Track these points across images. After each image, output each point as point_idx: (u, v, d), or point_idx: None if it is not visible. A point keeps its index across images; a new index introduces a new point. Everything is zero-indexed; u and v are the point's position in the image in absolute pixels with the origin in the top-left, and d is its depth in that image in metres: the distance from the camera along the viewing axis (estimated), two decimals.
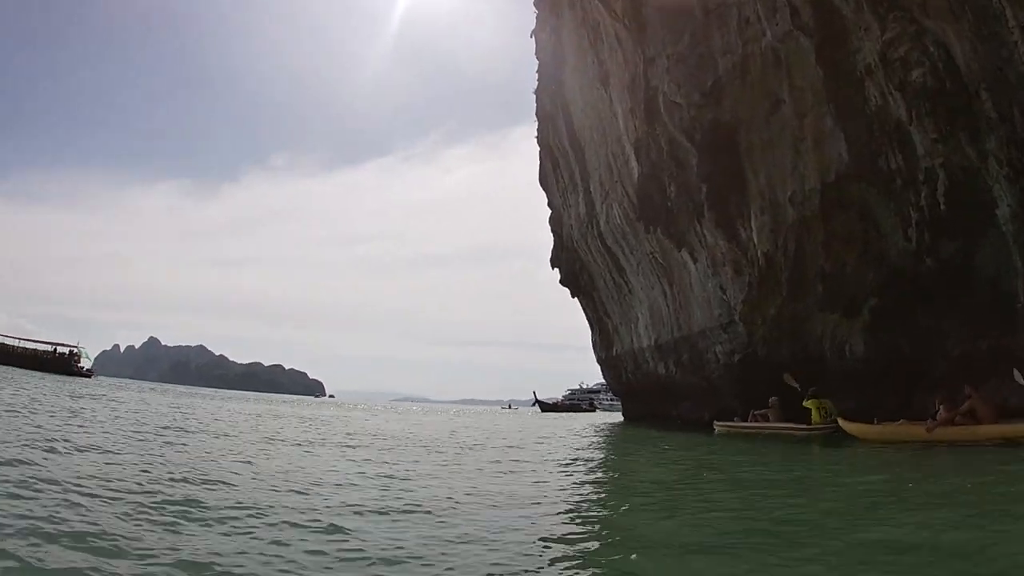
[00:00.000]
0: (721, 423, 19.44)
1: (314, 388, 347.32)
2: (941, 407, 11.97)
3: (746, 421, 18.58)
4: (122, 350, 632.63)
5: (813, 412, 16.42)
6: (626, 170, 23.51)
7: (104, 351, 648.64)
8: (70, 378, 54.64)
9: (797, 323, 18.08)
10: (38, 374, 50.16)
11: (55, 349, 72.03)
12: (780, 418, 17.48)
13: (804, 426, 16.33)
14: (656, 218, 21.56)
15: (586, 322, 35.59)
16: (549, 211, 35.36)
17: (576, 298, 34.28)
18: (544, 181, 35.27)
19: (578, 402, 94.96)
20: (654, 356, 25.77)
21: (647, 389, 27.45)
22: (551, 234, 34.98)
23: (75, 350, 73.83)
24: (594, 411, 76.14)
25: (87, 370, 71.96)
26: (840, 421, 14.89)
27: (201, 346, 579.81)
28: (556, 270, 34.29)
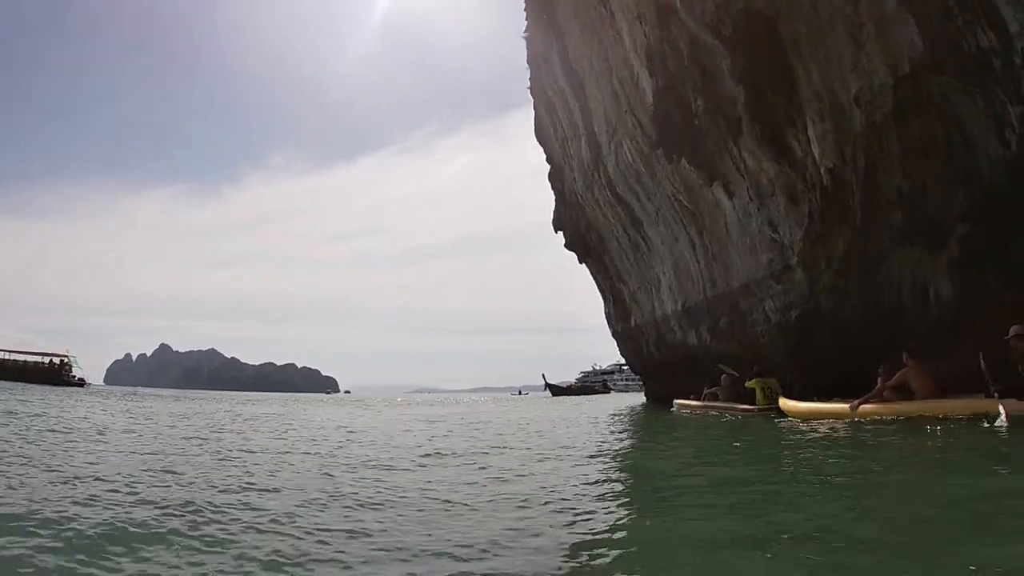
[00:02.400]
0: (680, 401, 20.00)
1: (327, 385, 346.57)
2: (880, 379, 11.09)
3: (700, 399, 18.72)
4: (134, 358, 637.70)
5: (756, 392, 16.16)
6: (636, 94, 18.91)
7: (116, 360, 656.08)
8: (60, 389, 51.79)
9: (869, 264, 13.81)
10: (25, 386, 47.27)
11: (49, 360, 69.13)
12: (729, 397, 17.41)
13: (749, 406, 15.95)
14: (679, 143, 16.97)
15: (597, 294, 31.19)
16: (548, 167, 30.76)
17: (584, 263, 29.75)
18: (540, 133, 30.71)
19: (591, 384, 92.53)
20: (682, 323, 21.25)
21: (673, 363, 22.90)
22: (551, 192, 30.39)
23: (65, 359, 70.73)
24: (608, 392, 73.96)
25: (79, 379, 69.33)
26: (781, 400, 14.42)
27: (212, 350, 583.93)
28: (560, 233, 29.77)
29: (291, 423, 16.86)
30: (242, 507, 5.00)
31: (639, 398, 35.26)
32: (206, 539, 4.05)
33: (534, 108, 31.41)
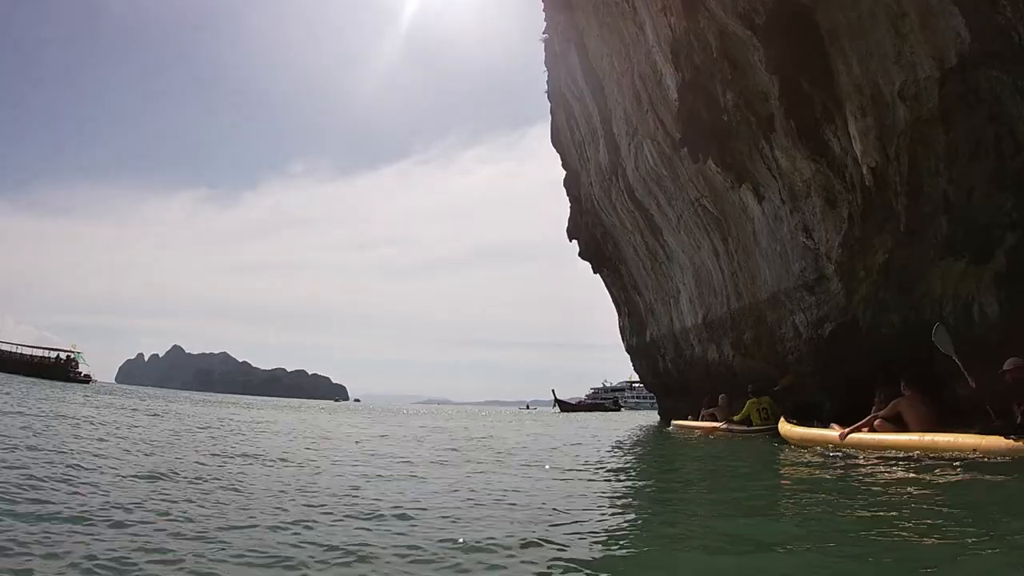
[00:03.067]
0: (678, 422, 19.97)
1: (336, 392, 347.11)
2: (875, 406, 10.53)
3: (697, 419, 18.57)
4: (146, 359, 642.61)
5: (752, 413, 15.82)
6: (659, 91, 17.70)
7: (128, 360, 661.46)
8: (68, 385, 51.66)
9: (910, 277, 12.50)
10: (32, 380, 47.62)
11: (57, 355, 68.95)
12: (727, 416, 16.89)
13: (747, 427, 15.69)
14: (705, 142, 15.72)
15: (611, 310, 29.98)
16: (564, 172, 29.55)
17: (599, 273, 28.48)
18: (557, 138, 29.54)
19: (601, 401, 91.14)
20: (702, 337, 19.93)
21: (692, 381, 21.53)
22: (567, 199, 29.17)
23: (72, 355, 70.47)
24: (619, 410, 72.22)
25: (84, 375, 69.22)
26: (780, 423, 13.54)
27: (225, 353, 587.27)
28: (574, 241, 28.53)
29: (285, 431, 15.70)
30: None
31: (651, 417, 33.88)
32: None
33: (551, 112, 30.33)
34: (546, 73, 30.42)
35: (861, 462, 8.62)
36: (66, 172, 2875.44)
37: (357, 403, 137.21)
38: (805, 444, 11.62)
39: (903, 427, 9.66)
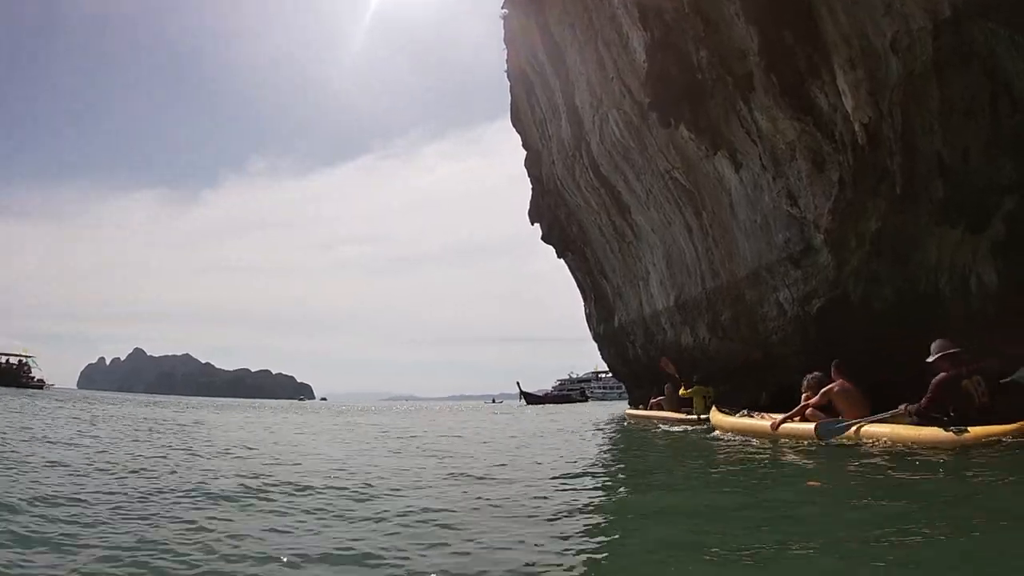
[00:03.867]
0: (629, 411, 20.17)
1: (301, 391, 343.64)
2: (804, 394, 10.06)
3: (647, 408, 18.53)
4: (108, 362, 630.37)
5: (696, 400, 15.54)
6: (625, 57, 16.34)
7: (90, 364, 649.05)
8: (20, 391, 49.49)
9: (904, 246, 11.44)
10: None
11: (7, 360, 66.18)
12: (674, 405, 16.75)
13: (689, 416, 15.24)
14: (676, 106, 14.39)
15: (577, 304, 28.67)
16: (524, 152, 28.10)
17: (563, 258, 27.13)
18: (516, 117, 28.08)
19: (568, 392, 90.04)
20: (674, 321, 18.67)
21: (663, 368, 20.33)
22: (528, 179, 27.73)
23: (24, 360, 67.89)
24: (586, 401, 71.84)
25: (38, 380, 66.84)
26: (712, 412, 13.08)
27: (187, 355, 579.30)
28: (536, 225, 27.14)
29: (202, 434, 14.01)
30: None
31: (620, 407, 32.59)
32: None
33: (510, 92, 28.88)
34: (505, 51, 29.03)
35: (786, 451, 8.42)
36: (17, 174, 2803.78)
37: (324, 401, 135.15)
38: (738, 433, 11.14)
39: (835, 415, 9.21)
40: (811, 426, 8.89)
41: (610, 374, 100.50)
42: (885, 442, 7.64)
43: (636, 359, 22.78)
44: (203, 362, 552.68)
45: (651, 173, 17.04)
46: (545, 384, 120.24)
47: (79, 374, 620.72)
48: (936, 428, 7.19)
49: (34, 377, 66.93)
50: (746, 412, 11.77)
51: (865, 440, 7.96)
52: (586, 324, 28.41)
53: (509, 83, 28.95)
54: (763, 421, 10.51)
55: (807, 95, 11.70)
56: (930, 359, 7.86)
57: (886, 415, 8.15)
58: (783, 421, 9.71)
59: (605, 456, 10.12)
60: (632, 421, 18.27)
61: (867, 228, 11.64)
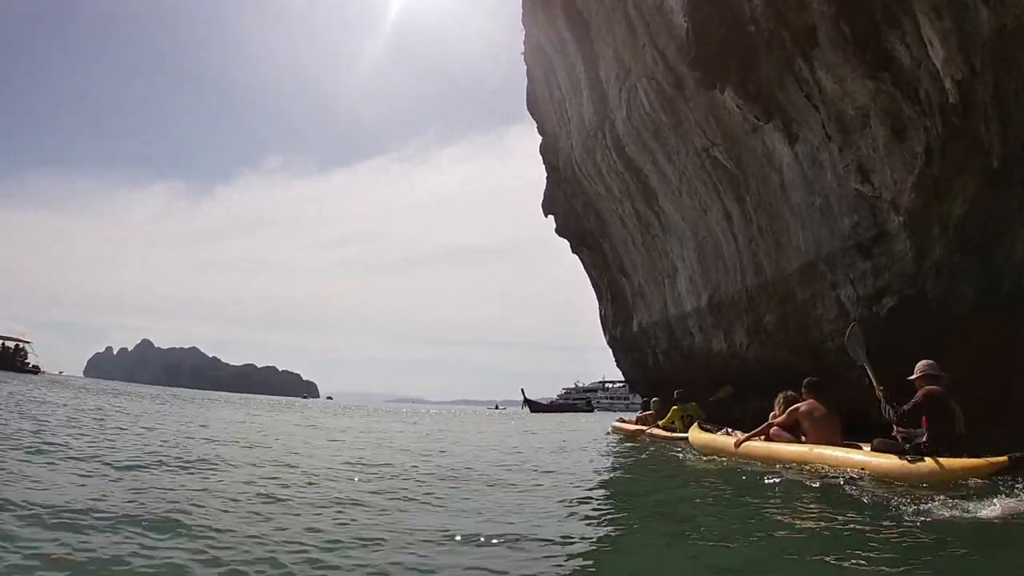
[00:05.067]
0: (616, 423, 19.75)
1: (307, 389, 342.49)
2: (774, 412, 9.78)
3: (635, 423, 18.24)
4: (115, 352, 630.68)
5: (676, 419, 15.41)
6: (659, 20, 14.14)
7: (97, 353, 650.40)
8: (12, 375, 48.64)
9: (988, 236, 9.38)
10: None
11: (3, 344, 65.12)
12: (656, 421, 16.57)
13: (676, 434, 14.57)
14: (723, 66, 12.17)
15: (587, 311, 26.43)
16: (540, 142, 25.86)
17: (578, 254, 24.88)
18: (533, 101, 25.90)
19: (574, 401, 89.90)
20: (704, 324, 16.37)
21: (690, 378, 17.93)
22: (543, 167, 25.46)
23: (21, 345, 67.07)
24: (592, 411, 70.29)
25: (32, 366, 66.52)
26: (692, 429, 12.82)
27: (194, 348, 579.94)
28: (551, 217, 24.92)
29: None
30: None
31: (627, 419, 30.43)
32: None
33: (527, 75, 26.72)
34: (523, 31, 26.95)
35: (738, 472, 8.34)
36: (35, 161, 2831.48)
37: (330, 400, 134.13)
38: (706, 452, 10.92)
39: (799, 436, 9.01)
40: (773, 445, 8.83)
41: (617, 384, 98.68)
42: (833, 467, 7.42)
43: (656, 367, 20.44)
44: (210, 356, 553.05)
45: (685, 152, 14.80)
46: (550, 392, 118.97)
47: (85, 362, 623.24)
48: (890, 455, 6.93)
49: (29, 363, 66.36)
50: (727, 430, 11.31)
51: (814, 464, 7.78)
52: (599, 329, 26.22)
53: (526, 67, 26.86)
54: (730, 439, 10.21)
55: (883, 48, 9.51)
56: (912, 377, 7.53)
57: (844, 452, 7.95)
58: (746, 439, 9.55)
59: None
60: (617, 434, 18.22)
61: (952, 211, 9.46)
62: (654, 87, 15.04)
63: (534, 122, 26.66)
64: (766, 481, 7.18)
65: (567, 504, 6.30)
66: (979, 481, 6.07)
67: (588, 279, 26.25)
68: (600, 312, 25.51)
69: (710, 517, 5.61)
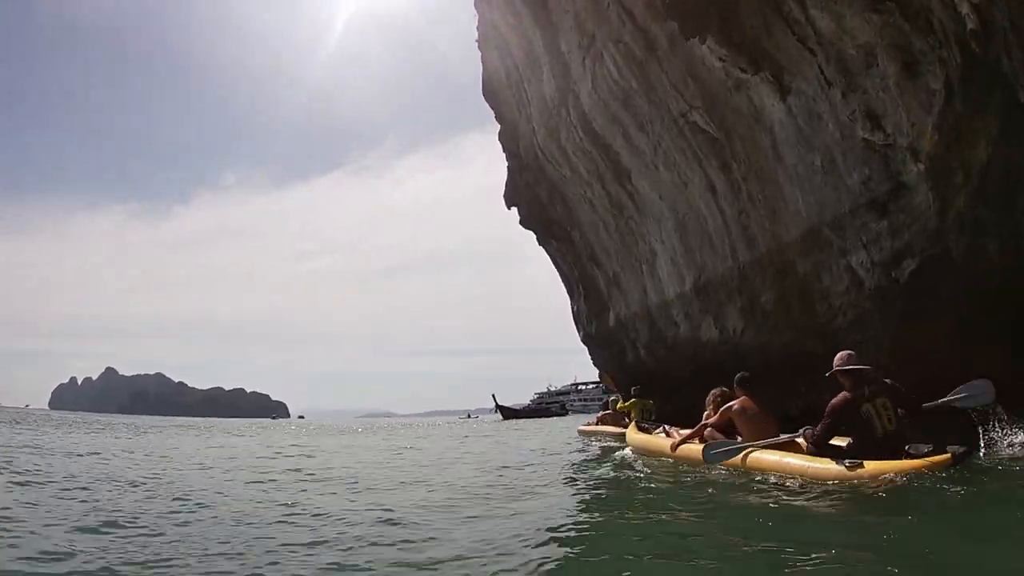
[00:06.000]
0: (582, 427, 18.95)
1: (276, 410, 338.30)
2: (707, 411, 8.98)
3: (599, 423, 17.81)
4: (79, 382, 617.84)
5: (634, 414, 14.54)
6: None
7: (61, 384, 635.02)
8: None
9: (1012, 184, 8.03)
10: None
11: None
12: (618, 420, 16.01)
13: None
14: (703, 13, 10.73)
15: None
16: (498, 126, 24.32)
17: (545, 247, 23.37)
18: (489, 87, 24.39)
19: (547, 405, 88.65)
20: (690, 310, 14.92)
21: (676, 372, 16.43)
22: (503, 155, 23.91)
23: None
24: (566, 415, 69.44)
25: None
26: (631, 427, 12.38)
27: (160, 374, 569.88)
28: (514, 209, 23.38)
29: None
30: None
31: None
32: None
33: (482, 61, 25.32)
34: (476, 17, 25.50)
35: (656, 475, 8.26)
36: None
37: (301, 419, 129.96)
38: (643, 453, 10.43)
39: (735, 437, 8.30)
40: (700, 448, 8.18)
41: (590, 385, 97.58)
42: (769, 473, 6.80)
43: (638, 362, 18.93)
44: (176, 381, 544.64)
45: (660, 120, 13.35)
46: (523, 397, 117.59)
47: (50, 394, 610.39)
48: (828, 460, 6.28)
49: None
50: (664, 429, 10.78)
51: (750, 469, 7.13)
52: (570, 330, 24.76)
53: (480, 53, 25.39)
54: (667, 440, 9.73)
55: None
56: (828, 374, 6.73)
57: (781, 439, 7.29)
58: (682, 441, 9.05)
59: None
60: (583, 437, 17.26)
61: (975, 157, 8.12)
62: (621, 51, 13.57)
63: (492, 115, 25.24)
64: (702, 493, 6.58)
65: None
66: (916, 481, 5.51)
67: (557, 276, 24.83)
68: (572, 308, 24.03)
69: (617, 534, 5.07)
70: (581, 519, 5.87)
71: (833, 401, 6.47)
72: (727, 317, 13.45)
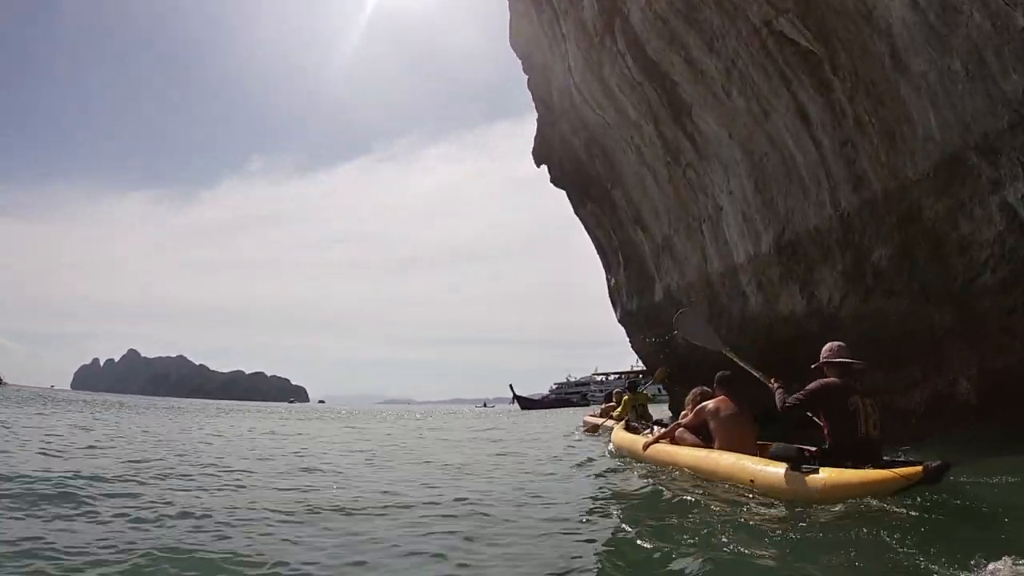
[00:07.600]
0: (586, 418, 18.98)
1: (295, 394, 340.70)
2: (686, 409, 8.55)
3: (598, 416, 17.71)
4: (102, 363, 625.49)
5: (627, 411, 14.19)
6: None
7: (84, 365, 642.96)
8: None
9: None
10: None
11: None
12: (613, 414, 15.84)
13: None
14: None
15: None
16: (526, 77, 21.59)
17: (580, 211, 20.66)
18: (516, 32, 21.64)
19: (567, 396, 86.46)
20: (768, 276, 12.12)
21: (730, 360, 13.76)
22: (532, 106, 21.22)
23: None
24: (588, 405, 67.82)
25: None
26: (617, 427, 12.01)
27: (181, 357, 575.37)
28: (544, 167, 20.71)
29: None
30: None
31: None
32: None
33: (509, 9, 22.57)
34: None
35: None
36: (15, 171, 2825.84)
37: (322, 404, 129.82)
38: (620, 453, 10.11)
39: (709, 439, 7.56)
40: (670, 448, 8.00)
41: (612, 376, 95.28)
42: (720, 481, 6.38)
43: (689, 344, 16.21)
44: (197, 364, 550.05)
45: (736, 34, 10.59)
46: (541, 387, 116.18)
47: (72, 375, 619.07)
48: (781, 464, 5.59)
49: None
50: (651, 428, 10.28)
51: (697, 472, 6.96)
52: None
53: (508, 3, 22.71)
54: (641, 439, 9.43)
55: None
56: (815, 364, 5.97)
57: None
58: (653, 441, 8.58)
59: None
60: (587, 429, 17.54)
61: None
62: None
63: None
64: (659, 502, 6.20)
65: None
66: (880, 500, 4.71)
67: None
68: (608, 284, 21.33)
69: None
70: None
71: (823, 379, 5.79)
72: (821, 283, 10.67)
